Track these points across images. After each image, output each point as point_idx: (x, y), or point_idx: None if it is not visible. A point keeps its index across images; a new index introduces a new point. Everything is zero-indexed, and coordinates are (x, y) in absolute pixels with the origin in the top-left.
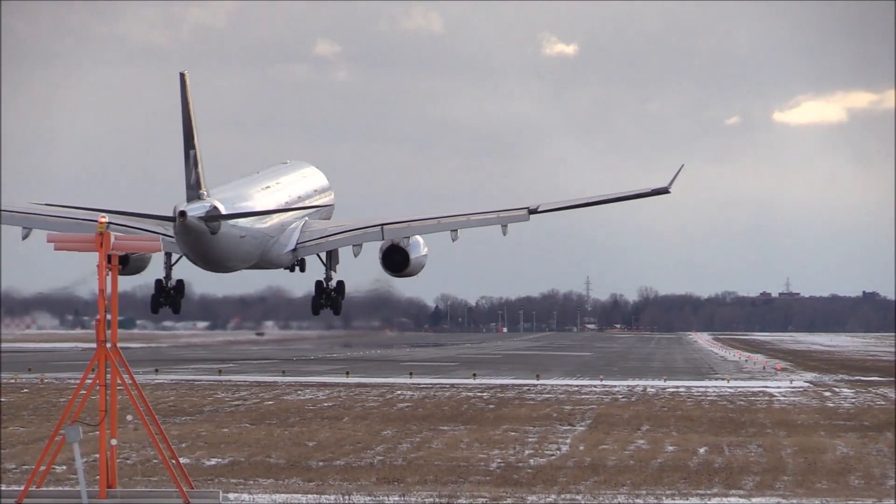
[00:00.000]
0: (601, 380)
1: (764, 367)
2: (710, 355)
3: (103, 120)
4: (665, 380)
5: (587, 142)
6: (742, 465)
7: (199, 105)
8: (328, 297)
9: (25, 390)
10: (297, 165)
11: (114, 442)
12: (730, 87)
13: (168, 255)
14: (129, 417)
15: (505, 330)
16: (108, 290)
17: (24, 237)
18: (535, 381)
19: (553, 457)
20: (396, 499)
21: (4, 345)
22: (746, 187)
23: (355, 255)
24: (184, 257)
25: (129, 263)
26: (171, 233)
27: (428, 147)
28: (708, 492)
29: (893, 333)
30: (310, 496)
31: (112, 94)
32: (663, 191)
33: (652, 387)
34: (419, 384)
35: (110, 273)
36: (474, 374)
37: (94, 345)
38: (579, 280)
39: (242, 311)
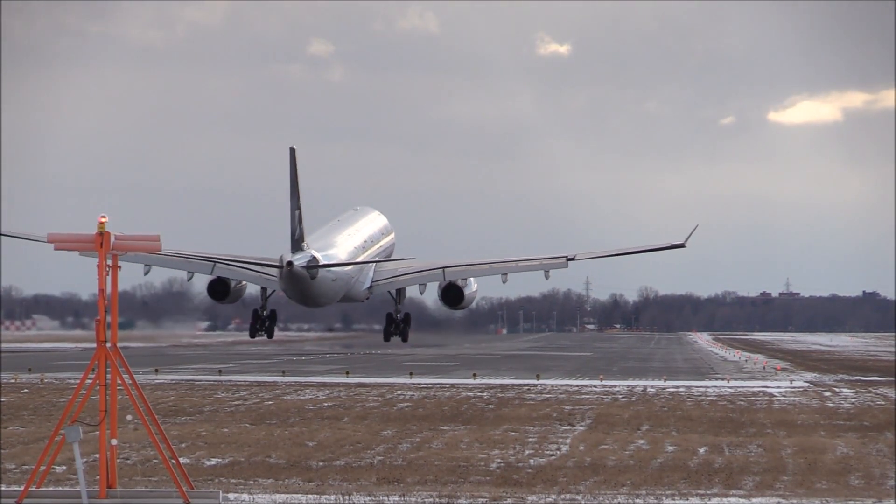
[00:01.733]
0: (601, 380)
1: (764, 367)
2: (710, 355)
3: (101, 120)
4: (665, 380)
5: (583, 141)
6: (742, 465)
7: (195, 105)
8: (397, 327)
9: (25, 390)
10: (366, 211)
11: (114, 442)
12: (724, 87)
13: (264, 289)
14: (129, 417)
15: (504, 331)
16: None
17: (146, 273)
18: (535, 381)
19: (553, 457)
20: (396, 499)
21: (4, 345)
22: (744, 187)
23: (420, 293)
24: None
25: (229, 294)
26: (273, 273)
27: (423, 147)
28: (708, 492)
29: (893, 333)
30: (310, 496)
31: (109, 94)
32: (679, 245)
33: (652, 387)
34: (419, 384)
35: (110, 273)
36: (474, 374)
37: (93, 345)
38: (579, 280)
39: (243, 312)
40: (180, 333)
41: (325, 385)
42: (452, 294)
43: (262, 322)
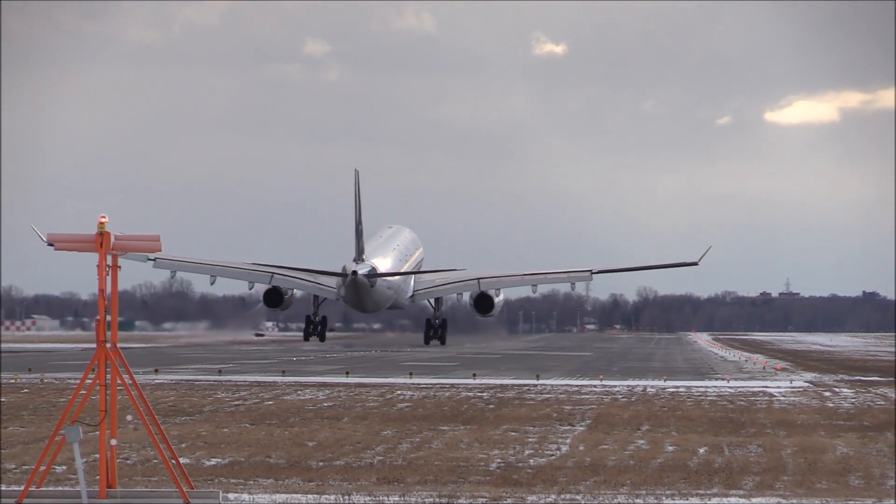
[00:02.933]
0: (601, 380)
1: (764, 367)
2: (710, 355)
3: (100, 120)
4: (665, 380)
5: (579, 141)
6: (742, 465)
7: (192, 105)
8: (436, 331)
9: (25, 390)
10: (400, 229)
11: (114, 442)
12: (721, 87)
13: (316, 297)
14: (129, 417)
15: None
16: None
17: (212, 283)
18: (535, 381)
19: (553, 457)
20: (396, 499)
21: (4, 345)
22: (742, 187)
23: (458, 301)
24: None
25: (283, 301)
26: (327, 283)
27: (420, 147)
28: (708, 492)
29: (893, 333)
30: (310, 496)
31: (107, 94)
32: (693, 263)
33: (652, 387)
34: (419, 384)
35: (110, 273)
36: (474, 374)
37: (93, 345)
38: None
39: (243, 312)
40: (180, 334)
41: (324, 385)
42: (484, 302)
43: (315, 326)
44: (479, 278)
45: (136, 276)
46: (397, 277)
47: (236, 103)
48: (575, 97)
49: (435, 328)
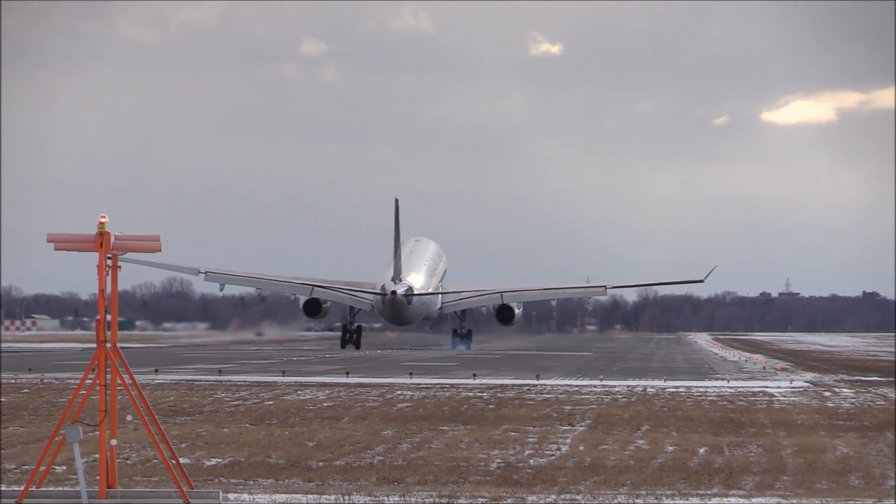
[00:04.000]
0: (601, 380)
1: (764, 367)
2: (710, 355)
3: (100, 120)
4: (665, 380)
5: (576, 141)
6: (742, 465)
7: (188, 105)
8: (462, 338)
9: (25, 390)
10: (425, 242)
11: (114, 442)
12: (718, 87)
13: (352, 308)
14: (129, 417)
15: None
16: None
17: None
18: (535, 381)
19: (553, 457)
20: (396, 499)
21: (4, 345)
22: (739, 187)
23: (483, 312)
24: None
25: (321, 311)
26: (364, 297)
27: (417, 147)
28: (708, 492)
29: (893, 333)
30: (310, 496)
31: (106, 94)
32: (699, 281)
33: (652, 387)
34: (419, 384)
35: (110, 273)
36: (474, 374)
37: (93, 345)
38: (579, 280)
39: (243, 312)
40: (180, 334)
41: (325, 385)
42: (506, 314)
43: (351, 335)
44: (501, 292)
45: (136, 276)
46: (430, 293)
47: (233, 103)
48: (571, 97)
49: (461, 336)
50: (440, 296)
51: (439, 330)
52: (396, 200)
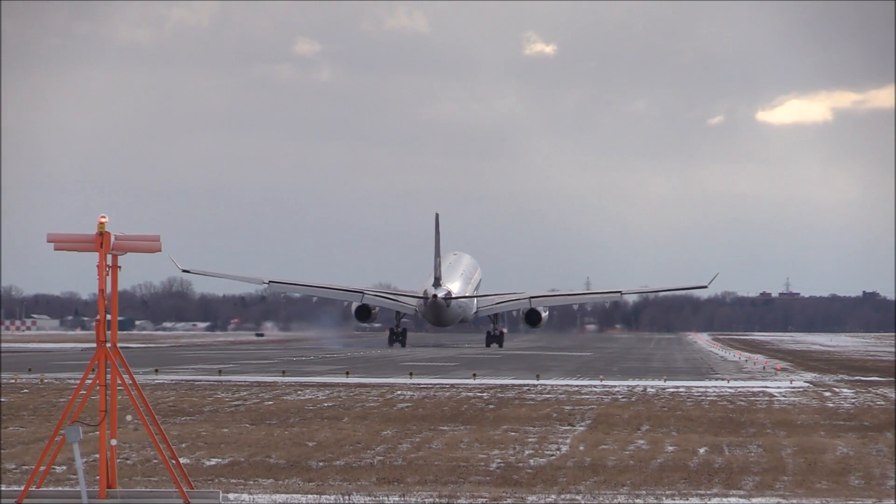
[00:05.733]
0: (601, 380)
1: (764, 367)
2: (710, 355)
3: (99, 120)
4: (665, 380)
5: (571, 141)
6: (742, 465)
7: (182, 105)
8: (495, 339)
9: (25, 390)
10: (462, 255)
11: (114, 442)
12: (713, 87)
13: (398, 312)
14: (129, 417)
15: (505, 331)
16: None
17: (315, 301)
18: (535, 381)
19: (553, 457)
20: (396, 499)
21: (4, 345)
22: (734, 187)
23: (514, 316)
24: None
25: (370, 315)
26: (408, 302)
27: (413, 147)
28: (708, 492)
29: (893, 333)
30: (310, 496)
31: (104, 94)
32: (702, 287)
33: (652, 387)
34: (419, 384)
35: (110, 273)
36: (474, 374)
37: (93, 345)
38: (579, 280)
39: (243, 312)
40: (180, 334)
41: (325, 385)
42: (533, 317)
43: (397, 336)
44: (530, 297)
45: (136, 276)
46: (467, 298)
47: (227, 103)
48: (566, 97)
49: (495, 337)
50: (475, 300)
51: (475, 331)
52: (437, 215)
